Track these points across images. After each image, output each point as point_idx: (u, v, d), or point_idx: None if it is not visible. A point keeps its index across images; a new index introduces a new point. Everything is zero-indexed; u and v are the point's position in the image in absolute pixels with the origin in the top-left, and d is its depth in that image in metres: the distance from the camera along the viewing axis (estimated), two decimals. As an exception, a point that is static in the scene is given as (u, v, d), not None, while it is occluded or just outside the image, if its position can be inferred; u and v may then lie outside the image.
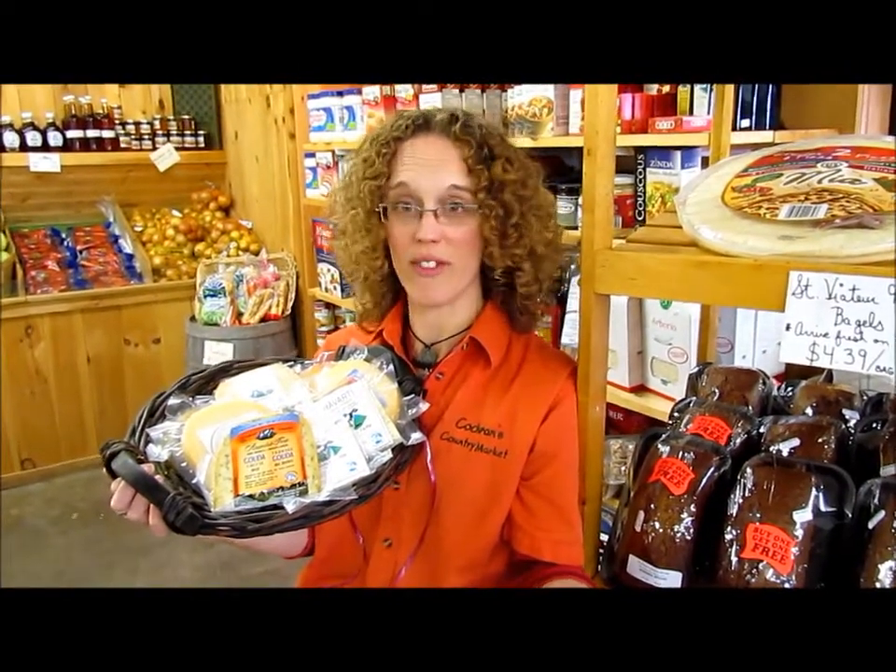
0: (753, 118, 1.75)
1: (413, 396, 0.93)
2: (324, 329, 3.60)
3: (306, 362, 1.00)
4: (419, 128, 0.98)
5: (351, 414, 0.86)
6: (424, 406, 0.93)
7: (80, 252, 3.86)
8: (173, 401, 0.90)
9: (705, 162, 1.72)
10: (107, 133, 3.96)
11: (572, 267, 1.99)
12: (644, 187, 1.89)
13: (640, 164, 1.89)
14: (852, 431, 1.01)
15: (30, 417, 3.52)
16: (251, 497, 0.78)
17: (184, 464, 0.83)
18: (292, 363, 1.00)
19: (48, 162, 3.73)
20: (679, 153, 1.80)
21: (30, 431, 3.54)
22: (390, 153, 0.98)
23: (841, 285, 0.74)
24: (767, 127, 1.77)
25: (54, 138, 3.80)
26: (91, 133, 3.92)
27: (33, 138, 3.75)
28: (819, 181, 0.87)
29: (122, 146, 4.01)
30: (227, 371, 0.99)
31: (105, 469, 0.81)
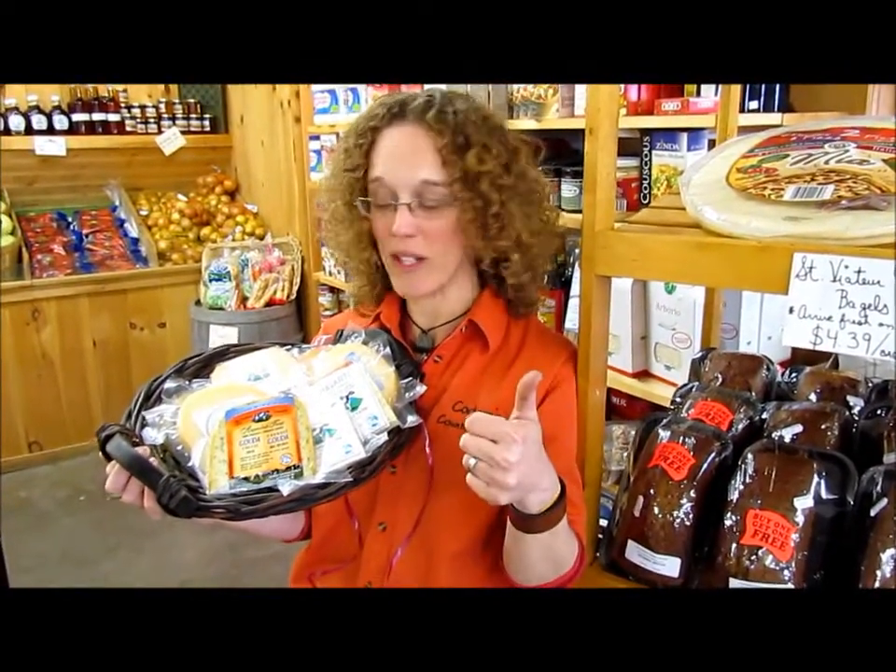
0: (761, 100, 1.72)
1: (410, 379, 0.93)
2: (328, 313, 3.60)
3: (304, 346, 1.00)
4: (395, 116, 0.95)
5: (347, 397, 0.85)
6: (421, 389, 0.92)
7: (86, 236, 3.87)
8: (169, 385, 0.90)
9: (711, 145, 1.70)
10: (113, 117, 3.95)
11: (576, 251, 1.97)
12: (649, 169, 1.87)
13: (646, 147, 1.87)
14: (856, 418, 1.00)
15: (37, 400, 3.54)
16: (246, 479, 0.78)
17: (179, 447, 0.83)
18: (289, 347, 0.99)
19: (53, 146, 3.72)
20: (685, 135, 1.77)
21: (37, 414, 3.56)
22: (367, 143, 0.97)
23: (846, 267, 0.73)
24: (776, 109, 1.74)
25: (60, 121, 3.79)
26: (97, 117, 3.90)
27: (38, 121, 3.74)
28: (827, 162, 0.85)
29: (128, 129, 3.99)
30: (223, 354, 0.98)
31: (100, 452, 0.81)
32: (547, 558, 0.89)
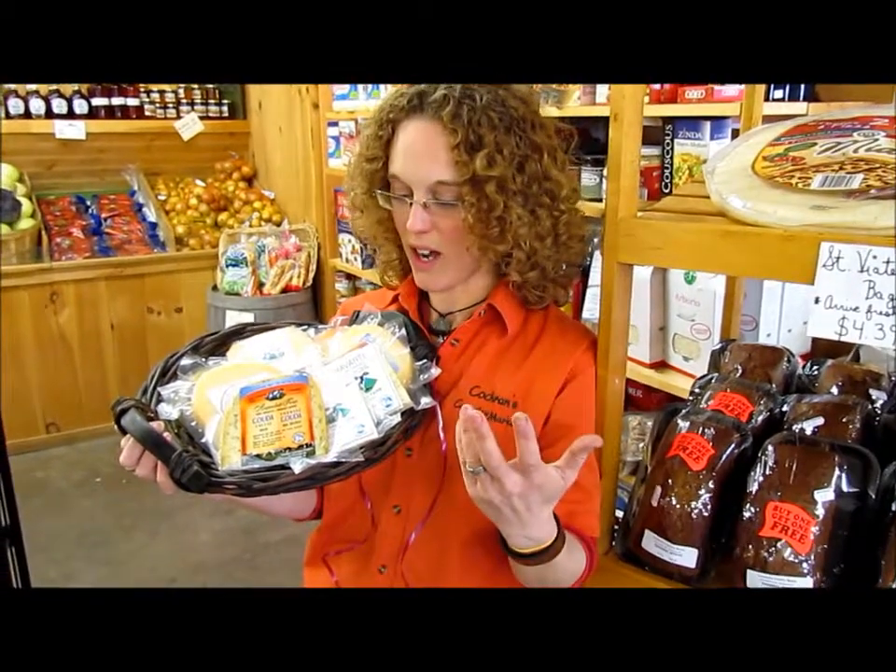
0: (787, 88, 1.69)
1: (425, 361, 0.92)
2: (344, 299, 3.59)
3: (320, 326, 1.00)
4: (413, 109, 0.94)
5: (362, 378, 0.85)
6: (436, 371, 0.91)
7: (105, 220, 3.89)
8: (185, 362, 0.91)
9: (735, 134, 1.68)
10: (132, 102, 3.98)
11: (595, 240, 1.95)
12: (671, 158, 1.84)
13: (668, 135, 1.84)
14: (879, 412, 0.98)
15: (54, 382, 3.58)
16: (258, 456, 0.78)
17: (193, 423, 0.83)
18: (306, 327, 0.99)
19: (73, 130, 3.75)
20: (708, 124, 1.75)
21: (55, 396, 3.59)
22: (386, 135, 0.96)
23: (874, 257, 0.72)
24: (801, 98, 1.71)
25: (80, 106, 3.82)
26: (116, 101, 3.94)
27: (58, 105, 3.77)
28: (855, 150, 0.84)
29: (147, 114, 4.03)
30: (240, 333, 0.99)
31: (115, 426, 0.81)
32: (543, 582, 0.89)
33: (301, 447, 0.78)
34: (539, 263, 0.98)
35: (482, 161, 0.89)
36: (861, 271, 0.73)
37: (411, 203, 0.94)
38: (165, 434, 0.80)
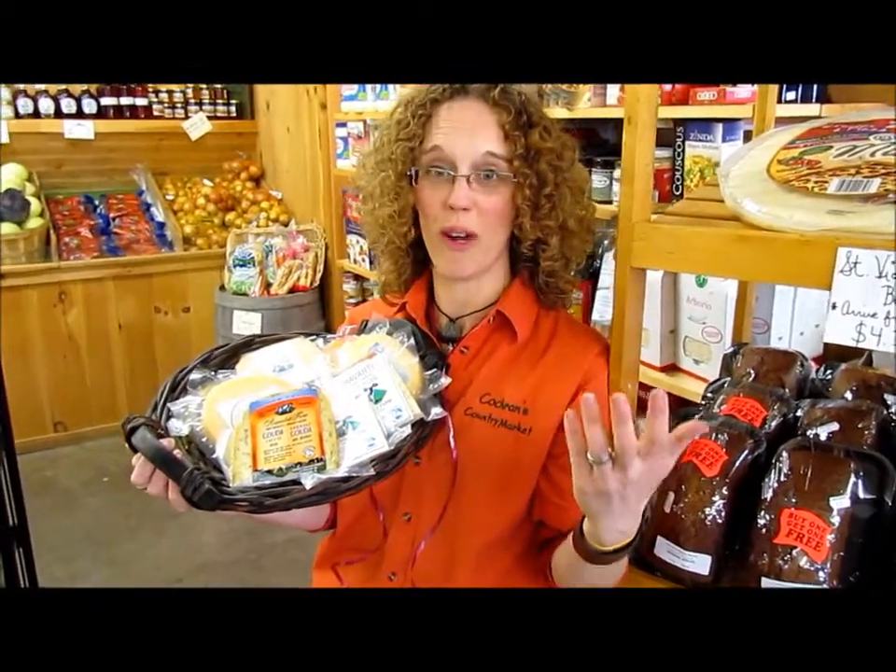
0: (799, 90, 1.67)
1: (435, 370, 0.91)
2: (352, 300, 3.60)
3: (328, 336, 0.99)
4: (456, 92, 0.95)
5: (371, 389, 0.84)
6: (446, 381, 0.90)
7: (113, 219, 3.90)
8: (194, 376, 0.90)
9: (747, 136, 1.66)
10: (141, 101, 3.98)
11: (605, 242, 1.94)
12: (683, 160, 1.83)
13: (679, 137, 1.82)
14: (894, 417, 0.97)
15: (62, 381, 3.59)
16: (269, 472, 0.77)
17: (204, 438, 0.83)
18: (314, 337, 0.98)
19: (82, 129, 3.76)
20: (720, 126, 1.73)
21: (62, 395, 3.60)
22: (426, 115, 0.96)
23: (893, 262, 0.70)
24: (814, 100, 1.69)
25: (88, 105, 3.83)
26: (125, 101, 3.94)
27: (67, 105, 3.78)
28: (872, 154, 0.82)
29: (155, 114, 4.03)
30: (249, 345, 0.98)
31: (126, 444, 0.81)
32: (601, 581, 0.88)
33: (311, 462, 0.77)
34: (568, 252, 1.00)
35: (536, 135, 0.93)
36: (880, 276, 0.71)
37: (454, 179, 0.93)
38: (176, 451, 0.79)
